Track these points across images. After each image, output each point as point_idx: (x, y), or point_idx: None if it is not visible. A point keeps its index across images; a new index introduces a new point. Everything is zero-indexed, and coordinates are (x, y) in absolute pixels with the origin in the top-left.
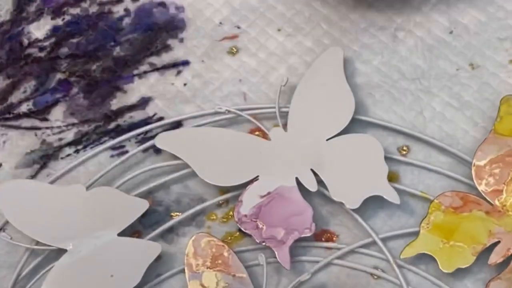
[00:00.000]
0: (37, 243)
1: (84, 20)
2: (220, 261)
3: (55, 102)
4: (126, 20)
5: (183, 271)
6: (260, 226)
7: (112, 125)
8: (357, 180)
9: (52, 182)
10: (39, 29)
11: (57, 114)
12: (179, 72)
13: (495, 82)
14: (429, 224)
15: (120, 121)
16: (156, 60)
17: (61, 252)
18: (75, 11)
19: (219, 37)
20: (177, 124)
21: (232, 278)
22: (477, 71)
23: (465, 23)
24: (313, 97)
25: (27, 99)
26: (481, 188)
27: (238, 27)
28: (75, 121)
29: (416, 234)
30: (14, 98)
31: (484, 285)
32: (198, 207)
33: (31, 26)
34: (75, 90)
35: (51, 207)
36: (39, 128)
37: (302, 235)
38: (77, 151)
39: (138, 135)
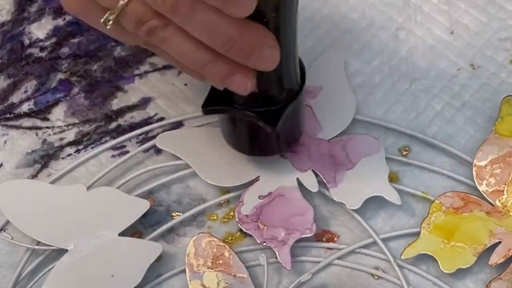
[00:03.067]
0: (38, 243)
1: None
2: (221, 261)
3: (56, 102)
4: None
5: (184, 271)
6: (261, 226)
7: (113, 125)
8: (358, 180)
9: (53, 182)
10: (40, 29)
11: (58, 114)
12: (180, 72)
13: (495, 83)
14: (430, 225)
15: (121, 121)
16: (157, 60)
17: (61, 252)
18: None
19: None
20: (178, 124)
21: (232, 278)
22: (477, 71)
23: (465, 23)
24: (314, 97)
25: (28, 99)
26: (482, 188)
27: None
28: (76, 121)
29: (417, 234)
30: (15, 98)
31: (485, 285)
32: (199, 207)
33: (32, 26)
34: (76, 90)
35: (52, 207)
36: (40, 128)
37: (303, 236)
38: (78, 151)
39: (139, 135)
